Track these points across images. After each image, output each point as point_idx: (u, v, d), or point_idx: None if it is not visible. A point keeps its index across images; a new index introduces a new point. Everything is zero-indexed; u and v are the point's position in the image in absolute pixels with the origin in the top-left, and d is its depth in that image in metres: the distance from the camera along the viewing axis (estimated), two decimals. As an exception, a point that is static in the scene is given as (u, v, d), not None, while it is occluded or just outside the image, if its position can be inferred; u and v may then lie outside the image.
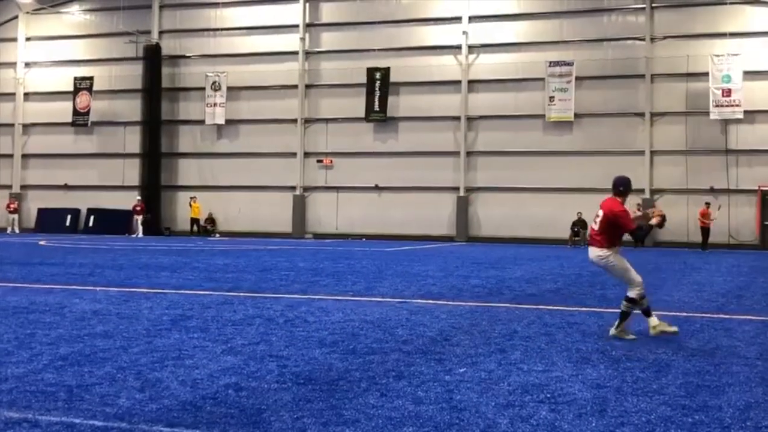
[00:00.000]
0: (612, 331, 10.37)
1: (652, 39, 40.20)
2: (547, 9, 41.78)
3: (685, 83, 39.69)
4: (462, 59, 42.65)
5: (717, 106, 38.40)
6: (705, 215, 36.82)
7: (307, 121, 44.93)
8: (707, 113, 38.63)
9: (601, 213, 10.60)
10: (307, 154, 44.78)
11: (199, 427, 5.79)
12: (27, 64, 49.83)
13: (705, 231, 36.76)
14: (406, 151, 43.04)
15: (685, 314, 12.53)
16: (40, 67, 49.69)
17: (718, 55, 38.73)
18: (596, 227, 10.61)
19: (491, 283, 17.40)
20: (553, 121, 40.91)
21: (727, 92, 38.28)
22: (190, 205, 45.47)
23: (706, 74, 38.72)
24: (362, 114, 43.42)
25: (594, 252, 10.55)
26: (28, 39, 49.86)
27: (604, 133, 40.37)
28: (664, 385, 7.39)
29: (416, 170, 42.62)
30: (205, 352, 8.66)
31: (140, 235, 43.84)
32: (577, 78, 40.48)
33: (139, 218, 44.75)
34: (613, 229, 10.54)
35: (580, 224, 38.67)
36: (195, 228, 45.40)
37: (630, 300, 10.30)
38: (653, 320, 10.34)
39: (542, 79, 40.93)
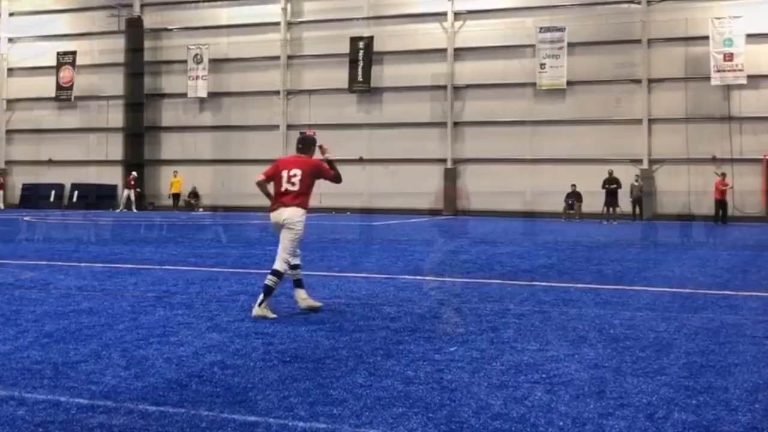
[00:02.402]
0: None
1: (649, 2, 35.22)
2: (537, -29, 36.90)
3: (684, 48, 34.69)
4: (448, 26, 37.87)
5: (718, 71, 33.47)
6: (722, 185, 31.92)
7: (290, 93, 40.36)
8: (708, 79, 33.69)
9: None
10: (290, 127, 40.04)
11: (185, 405, 5.28)
12: (10, 40, 45.28)
13: (722, 203, 31.86)
14: (390, 122, 38.34)
15: (688, 291, 11.47)
16: (23, 42, 45.15)
17: (718, 18, 33.82)
18: None
19: (481, 259, 16.32)
20: (545, 89, 36.05)
21: (729, 56, 33.30)
22: (174, 180, 41.21)
23: (706, 38, 33.80)
24: (345, 85, 38.84)
25: None
26: (11, 14, 45.36)
27: (598, 101, 35.42)
28: (665, 366, 6.59)
29: (401, 142, 37.84)
30: (190, 329, 8.13)
31: (134, 210, 39.52)
32: (569, 44, 35.62)
33: (131, 193, 40.34)
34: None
35: (574, 196, 34.07)
36: (176, 202, 41.18)
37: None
38: (302, 293, 9.41)
39: (532, 46, 36.10)
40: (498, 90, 36.93)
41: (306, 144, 9.46)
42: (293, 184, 9.15)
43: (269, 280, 9.03)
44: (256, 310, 8.89)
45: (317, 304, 9.39)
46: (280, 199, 9.20)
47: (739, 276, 13.34)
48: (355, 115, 39.30)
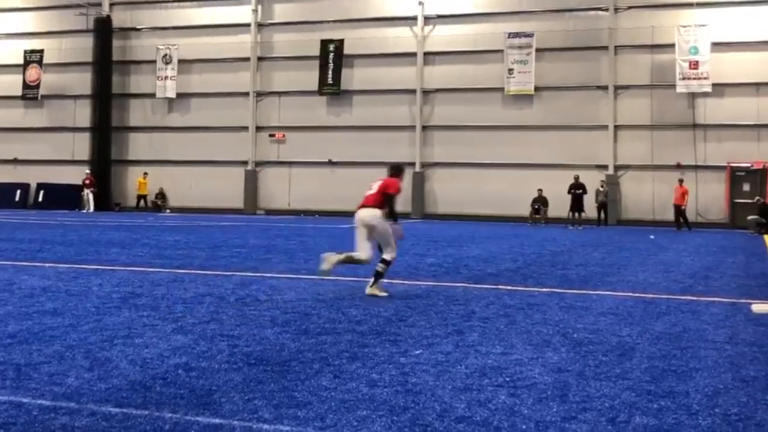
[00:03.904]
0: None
1: (616, 9, 35.59)
2: (506, -22, 37.05)
3: (650, 55, 35.14)
4: (418, 30, 37.97)
5: (684, 79, 33.89)
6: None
7: (259, 95, 40.25)
8: (673, 86, 34.11)
9: None
10: (259, 128, 40.12)
11: (149, 407, 5.19)
12: (-24, 37, 44.88)
13: (680, 209, 31.98)
14: (360, 125, 38.39)
15: (650, 296, 11.42)
16: (-11, 39, 44.73)
17: (684, 26, 34.25)
18: None
19: (448, 262, 16.16)
20: (513, 94, 36.29)
21: (695, 64, 33.73)
22: (141, 181, 40.86)
23: (672, 46, 34.22)
24: (315, 87, 38.82)
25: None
26: (-23, 12, 44.90)
27: (565, 107, 35.66)
28: (628, 370, 6.62)
29: (371, 145, 37.81)
30: (155, 330, 7.99)
31: (91, 210, 39.19)
32: (537, 50, 35.85)
33: (90, 193, 39.97)
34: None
35: (540, 201, 34.23)
36: (142, 204, 40.82)
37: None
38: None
39: (501, 51, 36.25)
40: (467, 95, 37.08)
41: (394, 171, 11.31)
42: (372, 189, 10.94)
43: (379, 266, 10.69)
44: (369, 290, 10.62)
45: (325, 268, 10.81)
46: (363, 201, 10.92)
47: (701, 282, 13.39)
48: (324, 117, 39.23)
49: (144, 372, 6.27)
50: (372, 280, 10.75)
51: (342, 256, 10.76)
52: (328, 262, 10.71)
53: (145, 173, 41.01)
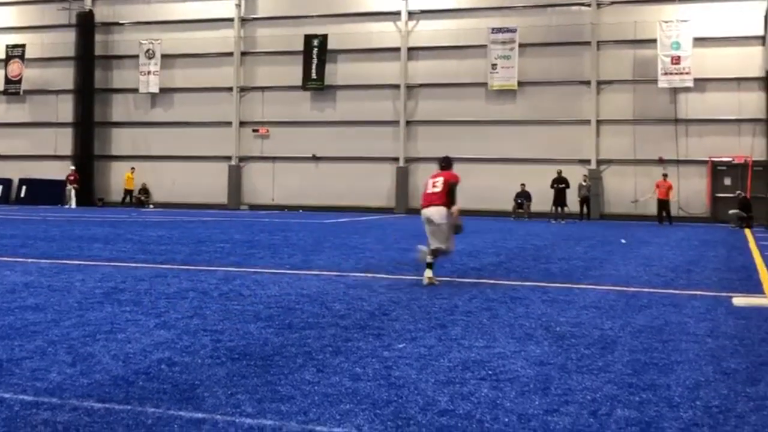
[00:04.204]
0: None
1: (598, 4, 35.57)
2: (489, -27, 36.98)
3: (632, 50, 35.18)
4: (401, 26, 37.81)
5: (666, 74, 33.95)
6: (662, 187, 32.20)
7: (243, 90, 39.97)
8: (655, 81, 34.16)
9: None
10: (242, 124, 39.89)
11: (131, 402, 5.21)
12: (-42, 32, 44.35)
13: (664, 203, 32.05)
14: (344, 120, 38.23)
15: (632, 289, 11.56)
16: (-29, 34, 44.23)
17: (666, 21, 34.30)
18: None
19: None
20: (496, 89, 36.23)
21: (676, 59, 33.81)
22: (128, 176, 40.62)
23: (654, 41, 34.27)
24: (299, 82, 38.55)
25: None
26: (-42, 6, 44.42)
27: (548, 102, 35.68)
28: (609, 363, 6.68)
29: (355, 140, 37.75)
30: (137, 326, 8.02)
31: (73, 206, 38.90)
32: (520, 45, 35.82)
33: (73, 188, 39.67)
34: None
35: (523, 196, 34.27)
36: (128, 199, 40.58)
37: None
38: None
39: (484, 46, 36.19)
40: (450, 90, 37.02)
41: (447, 162, 12.20)
42: (436, 187, 11.74)
43: (430, 258, 11.57)
44: (426, 278, 11.41)
45: (422, 259, 11.75)
46: (427, 199, 11.73)
47: (683, 275, 13.46)
48: (308, 112, 39.04)
49: (126, 367, 6.24)
50: (427, 269, 11.54)
51: (429, 249, 11.57)
52: (422, 254, 11.68)
53: (132, 168, 40.74)
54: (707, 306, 9.99)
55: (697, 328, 8.38)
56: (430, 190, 11.66)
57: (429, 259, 11.47)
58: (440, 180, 11.66)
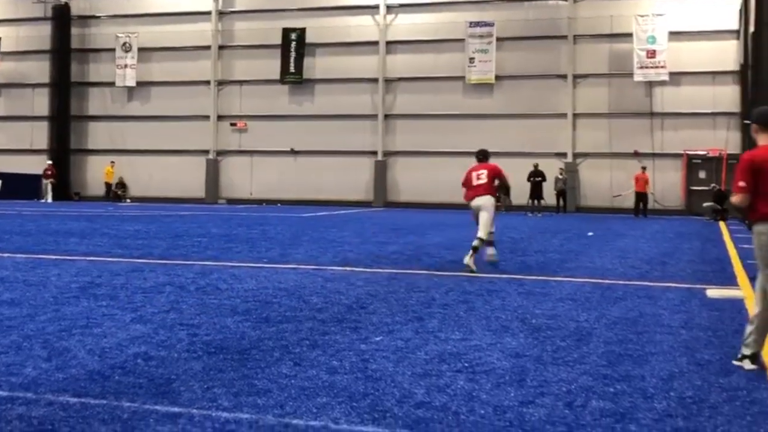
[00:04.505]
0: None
1: (575, -1, 35.72)
2: (467, -33, 37.00)
3: (608, 44, 35.45)
4: (380, 19, 37.85)
5: (641, 67, 34.25)
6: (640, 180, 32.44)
7: (221, 84, 39.88)
8: (631, 75, 34.41)
9: None
10: (220, 117, 39.79)
11: (107, 397, 5.17)
12: (-69, 24, 43.81)
13: (642, 196, 32.31)
14: (322, 114, 38.22)
15: (608, 281, 11.60)
16: (-55, 27, 43.73)
17: (642, 16, 34.57)
18: None
19: (409, 250, 16.32)
20: (474, 83, 36.38)
21: (652, 53, 34.09)
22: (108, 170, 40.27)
23: (630, 35, 34.54)
24: (277, 76, 38.56)
25: None
26: (-68, -2, 43.89)
27: (525, 96, 35.80)
28: (585, 354, 6.69)
29: (333, 134, 37.76)
30: (113, 320, 7.94)
31: (50, 200, 38.64)
32: (497, 39, 35.96)
33: (50, 183, 39.42)
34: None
35: (501, 189, 34.03)
36: (110, 193, 40.34)
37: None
38: (490, 249, 12.77)
39: (462, 40, 36.33)
40: (428, 83, 37.09)
41: (484, 155, 13.23)
42: (481, 179, 12.66)
43: (477, 241, 12.37)
44: (467, 260, 12.12)
45: (495, 259, 12.75)
46: (475, 191, 12.64)
47: (657, 267, 13.51)
48: (286, 106, 38.99)
49: (102, 361, 6.20)
50: (470, 252, 12.28)
51: (479, 243, 12.40)
52: (490, 256, 12.64)
53: (112, 162, 40.43)
54: (681, 298, 10.01)
55: (671, 319, 8.40)
56: (475, 182, 12.58)
57: (476, 243, 12.29)
58: (484, 172, 12.60)
